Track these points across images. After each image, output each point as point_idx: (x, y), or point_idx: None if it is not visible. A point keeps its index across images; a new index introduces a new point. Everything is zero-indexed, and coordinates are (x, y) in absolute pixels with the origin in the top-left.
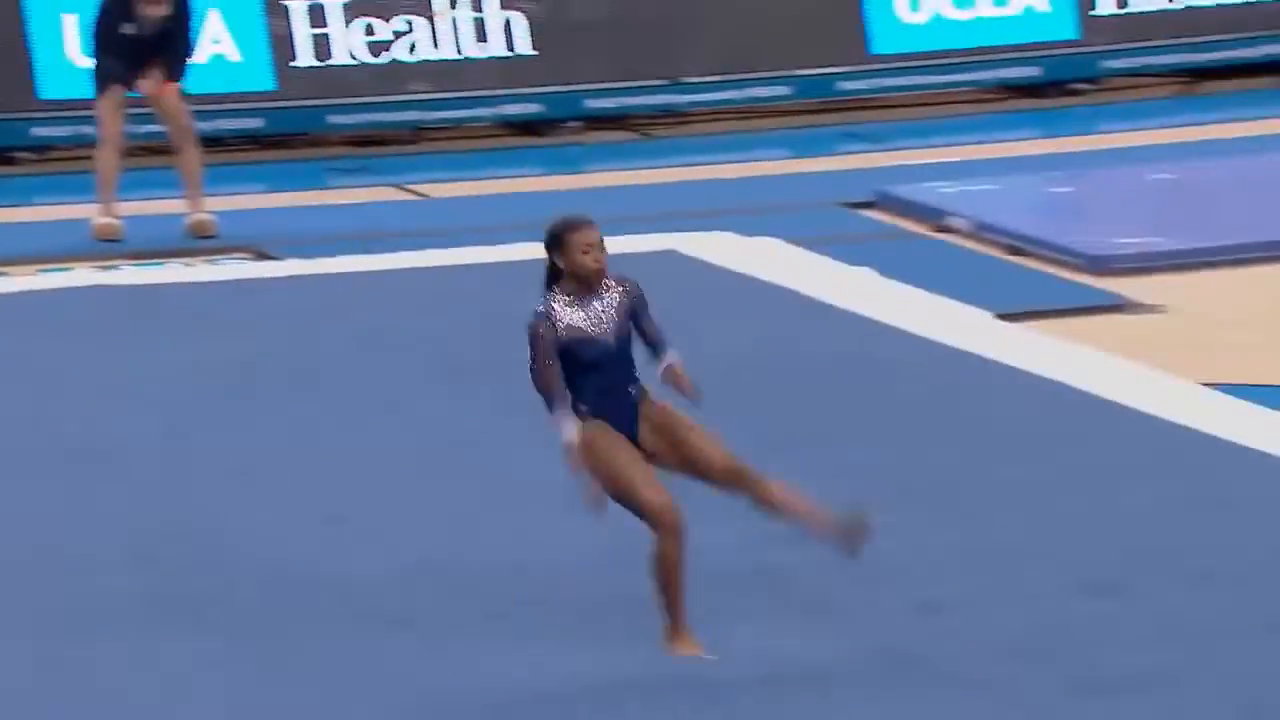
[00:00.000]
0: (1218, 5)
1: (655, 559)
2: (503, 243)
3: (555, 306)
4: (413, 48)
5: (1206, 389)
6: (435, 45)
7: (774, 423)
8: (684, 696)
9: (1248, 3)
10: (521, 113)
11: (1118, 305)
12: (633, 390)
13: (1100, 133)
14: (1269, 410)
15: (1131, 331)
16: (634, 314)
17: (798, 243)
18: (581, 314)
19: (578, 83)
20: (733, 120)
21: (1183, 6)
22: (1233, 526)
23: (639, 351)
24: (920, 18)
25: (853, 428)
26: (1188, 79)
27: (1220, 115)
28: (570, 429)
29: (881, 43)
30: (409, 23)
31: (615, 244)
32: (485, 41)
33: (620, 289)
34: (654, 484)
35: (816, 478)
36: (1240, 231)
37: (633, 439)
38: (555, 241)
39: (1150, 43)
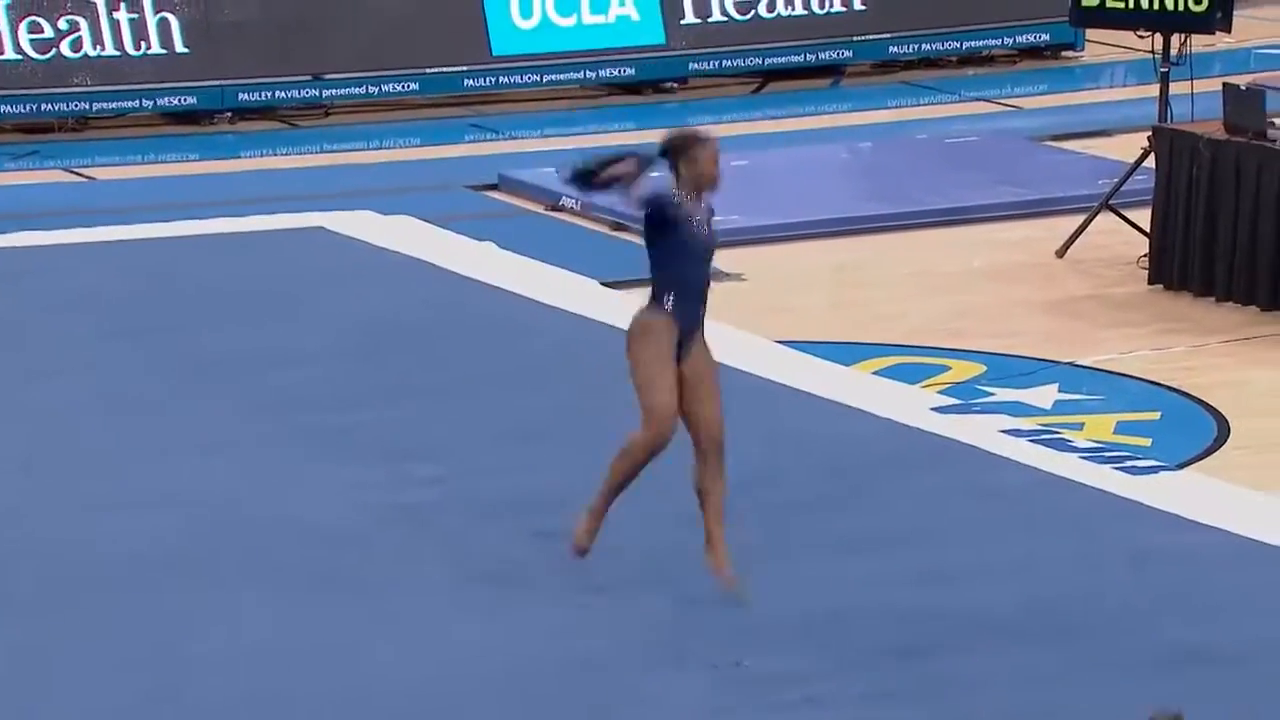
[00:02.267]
0: (783, 17)
1: (625, 450)
2: (165, 220)
3: (674, 195)
4: (77, 45)
5: (778, 344)
6: (98, 44)
7: (409, 375)
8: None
9: (807, 16)
10: (177, 105)
11: None
12: (701, 309)
13: (687, 125)
14: (826, 361)
15: (717, 296)
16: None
17: (430, 220)
18: (689, 211)
19: (229, 77)
20: (370, 112)
21: (752, 17)
22: (791, 457)
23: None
24: (531, 23)
25: (475, 379)
26: (759, 79)
27: (786, 111)
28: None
29: (501, 45)
30: (73, 22)
31: (268, 221)
32: (144, 40)
33: (711, 209)
34: (671, 393)
35: (445, 424)
36: (802, 210)
37: (679, 348)
38: (682, 150)
39: (727, 48)
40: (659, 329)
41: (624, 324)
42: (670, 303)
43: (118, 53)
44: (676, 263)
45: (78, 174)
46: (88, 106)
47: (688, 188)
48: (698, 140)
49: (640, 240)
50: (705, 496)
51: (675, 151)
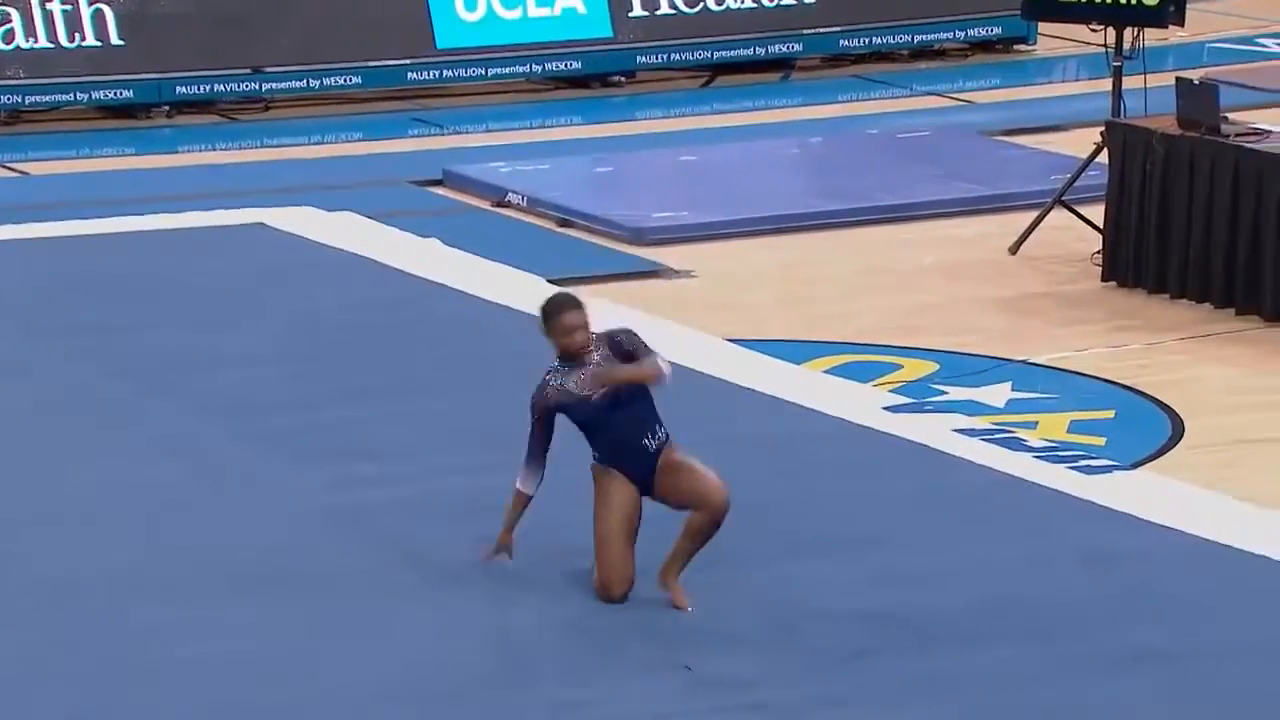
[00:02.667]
0: (732, 10)
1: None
2: (101, 216)
3: (549, 377)
4: (8, 36)
5: (728, 343)
6: (30, 35)
7: (354, 376)
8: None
9: (756, 9)
10: (113, 98)
11: (654, 271)
12: (648, 443)
13: (635, 119)
14: (776, 360)
15: (666, 294)
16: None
17: (373, 216)
18: (572, 380)
19: (166, 70)
20: (311, 106)
21: (701, 10)
22: (741, 458)
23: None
24: (476, 16)
25: (422, 379)
26: (708, 73)
27: (735, 105)
28: (516, 492)
29: (445, 38)
30: (5, 13)
31: (206, 218)
32: (78, 31)
33: (602, 353)
34: (620, 559)
35: (392, 425)
36: (752, 206)
37: (648, 485)
38: (544, 322)
39: (676, 41)
40: (607, 484)
41: None
42: (610, 462)
43: (51, 44)
44: (586, 434)
45: (10, 169)
46: (20, 99)
47: (563, 359)
48: (550, 314)
49: (589, 238)
50: (693, 534)
51: (542, 328)
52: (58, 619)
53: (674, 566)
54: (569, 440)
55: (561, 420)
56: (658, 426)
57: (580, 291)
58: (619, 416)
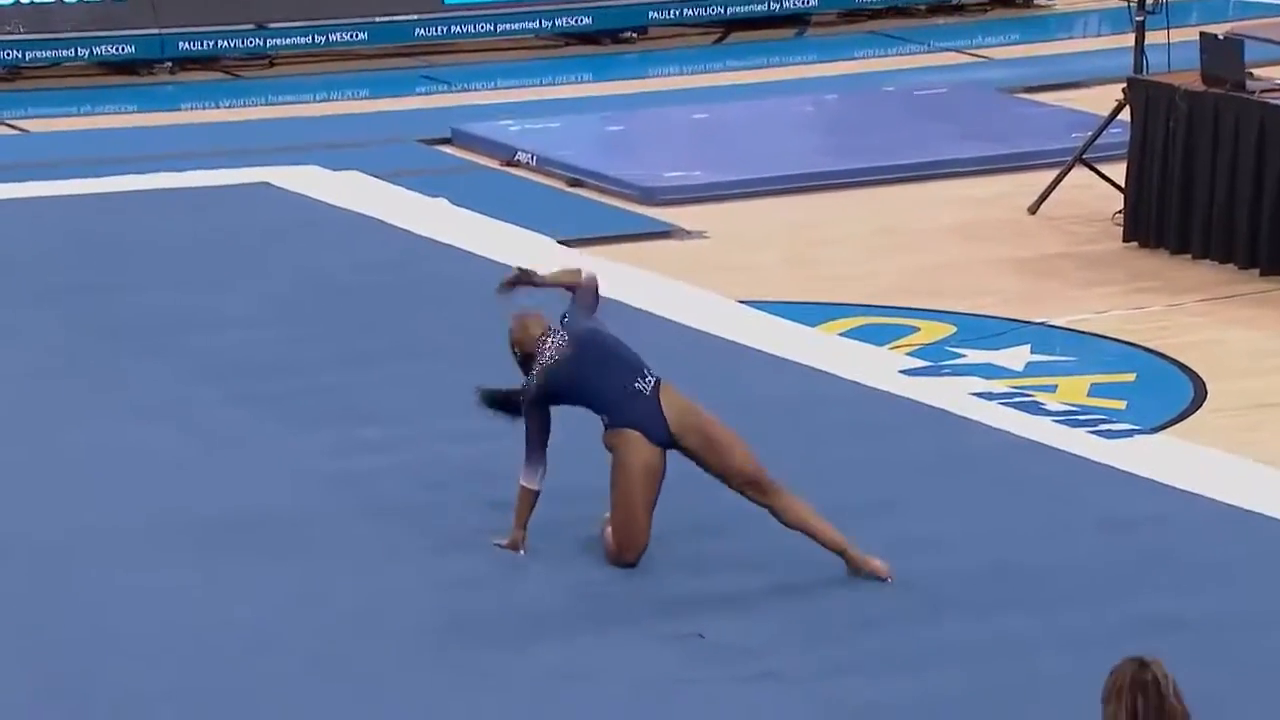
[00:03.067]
0: None
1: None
2: (101, 175)
3: (528, 378)
4: None
5: (740, 305)
6: None
7: (357, 339)
8: None
9: None
10: (115, 54)
11: (665, 232)
12: (641, 386)
13: (647, 76)
14: (790, 322)
15: (678, 255)
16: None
17: (379, 175)
18: (538, 365)
19: (169, 26)
20: (316, 63)
21: None
22: (753, 422)
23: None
24: None
25: (426, 342)
26: (721, 29)
27: (748, 61)
28: (522, 489)
29: None
30: None
31: (209, 177)
32: None
33: (558, 330)
34: (638, 524)
35: (395, 389)
36: (765, 165)
37: (665, 435)
38: (510, 346)
39: None
40: (633, 453)
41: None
42: (617, 422)
43: None
44: (583, 400)
45: (9, 126)
46: (20, 55)
47: (525, 361)
48: (511, 335)
49: (600, 198)
50: (804, 527)
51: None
52: (44, 584)
53: (851, 553)
54: (571, 416)
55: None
56: (645, 370)
57: (590, 252)
58: (600, 370)
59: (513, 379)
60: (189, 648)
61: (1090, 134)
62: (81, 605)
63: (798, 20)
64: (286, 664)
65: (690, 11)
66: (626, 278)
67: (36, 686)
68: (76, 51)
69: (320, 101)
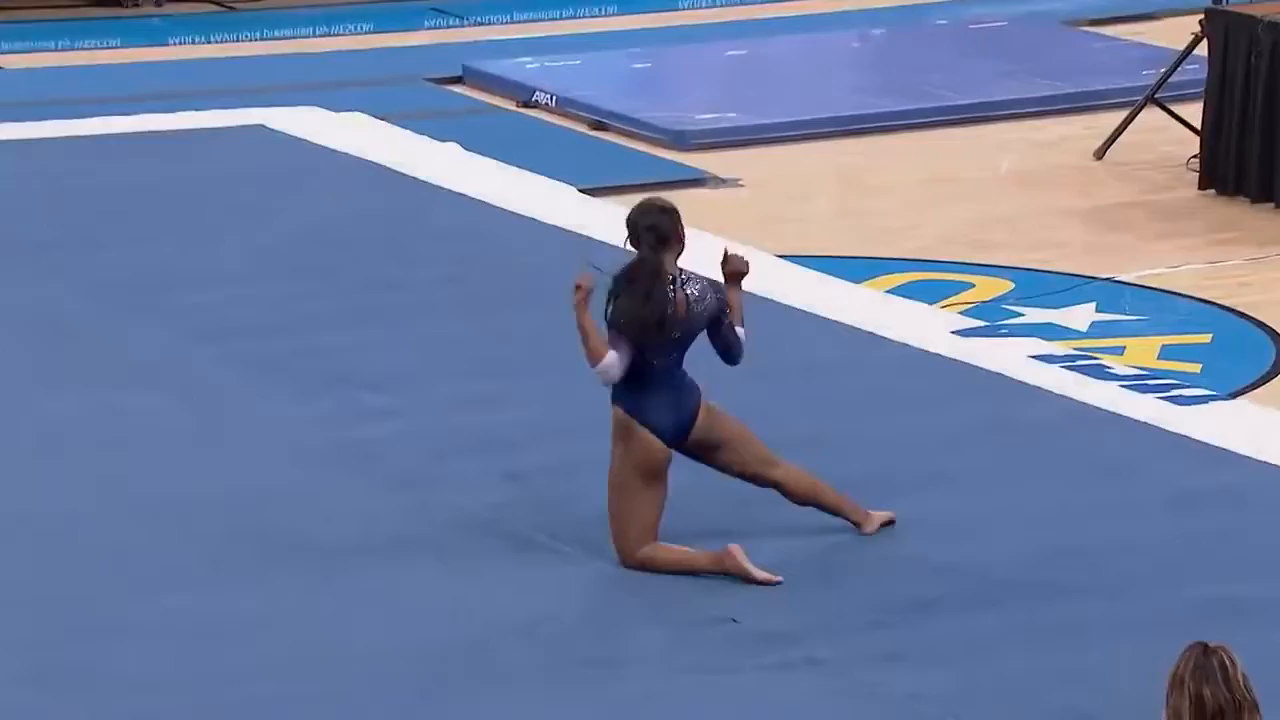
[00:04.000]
0: None
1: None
2: (83, 116)
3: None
4: None
5: (779, 259)
6: None
7: (361, 295)
8: None
9: None
10: None
11: (697, 179)
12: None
13: (677, 9)
14: (833, 278)
15: (711, 205)
16: None
17: (385, 117)
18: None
19: None
20: None
21: None
22: (791, 388)
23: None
24: None
25: (436, 299)
26: None
27: None
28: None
29: None
30: None
31: (200, 119)
32: None
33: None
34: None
35: (401, 350)
36: (807, 107)
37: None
38: (672, 224)
39: None
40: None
41: (607, 237)
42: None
43: None
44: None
45: None
46: None
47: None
48: (674, 213)
49: (625, 140)
50: (814, 499)
51: (665, 232)
52: (29, 567)
53: (854, 509)
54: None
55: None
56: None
57: (615, 202)
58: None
59: (533, 331)
60: (187, 634)
61: (1163, 71)
62: (71, 590)
63: None
64: (293, 652)
65: None
66: None
67: (28, 673)
68: None
69: (320, 37)
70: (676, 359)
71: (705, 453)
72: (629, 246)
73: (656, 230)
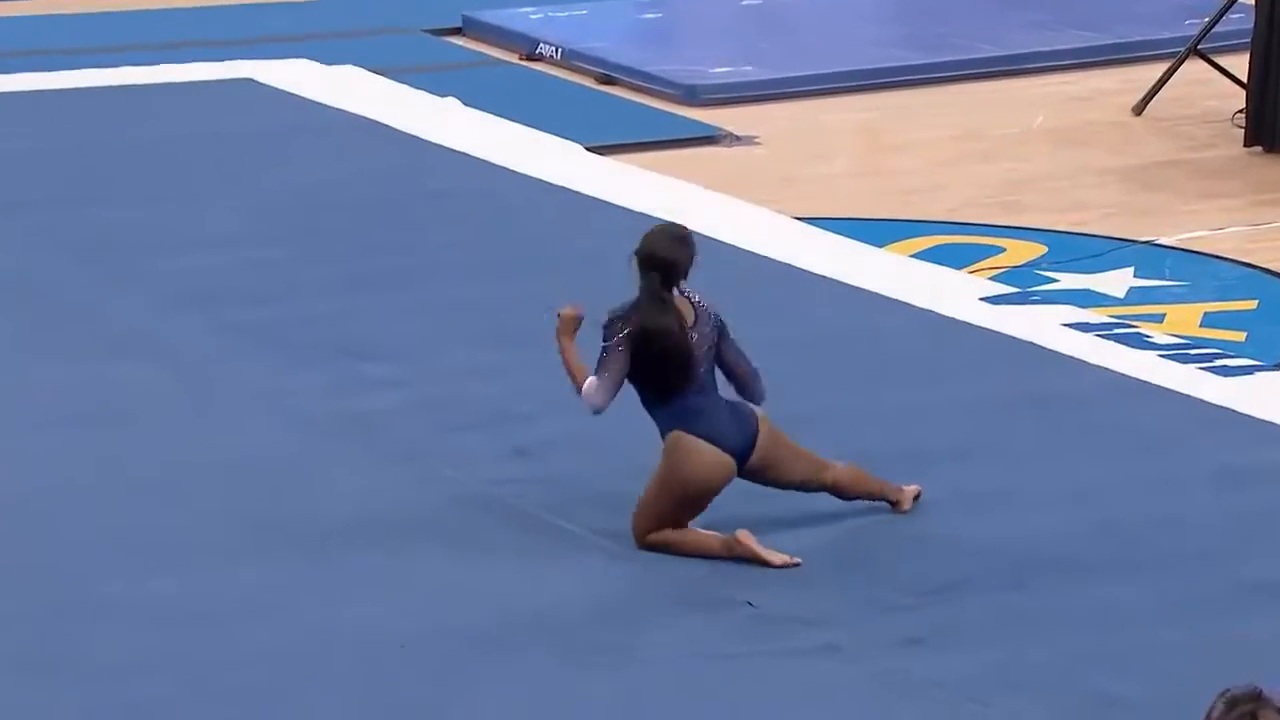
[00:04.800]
0: None
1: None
2: (60, 68)
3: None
4: None
5: (797, 222)
6: None
7: (356, 260)
8: None
9: None
10: None
11: (711, 136)
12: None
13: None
14: (854, 241)
15: (725, 164)
16: None
17: (380, 71)
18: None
19: None
20: None
21: None
22: (810, 357)
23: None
24: None
25: (436, 264)
26: None
27: None
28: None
29: None
30: None
31: (185, 72)
32: None
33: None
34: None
35: (401, 318)
36: (825, 59)
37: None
38: (688, 251)
39: None
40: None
41: (614, 197)
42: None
43: None
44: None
45: None
46: None
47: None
48: (689, 241)
49: (634, 95)
50: (864, 488)
51: (687, 257)
52: (10, 545)
53: (886, 488)
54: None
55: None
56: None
57: (624, 160)
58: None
59: (539, 297)
60: (178, 616)
61: (1207, 20)
62: (54, 569)
63: None
64: (290, 635)
65: None
66: (666, 190)
67: (7, 656)
68: None
69: None
70: (708, 381)
71: (763, 470)
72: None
73: (677, 267)
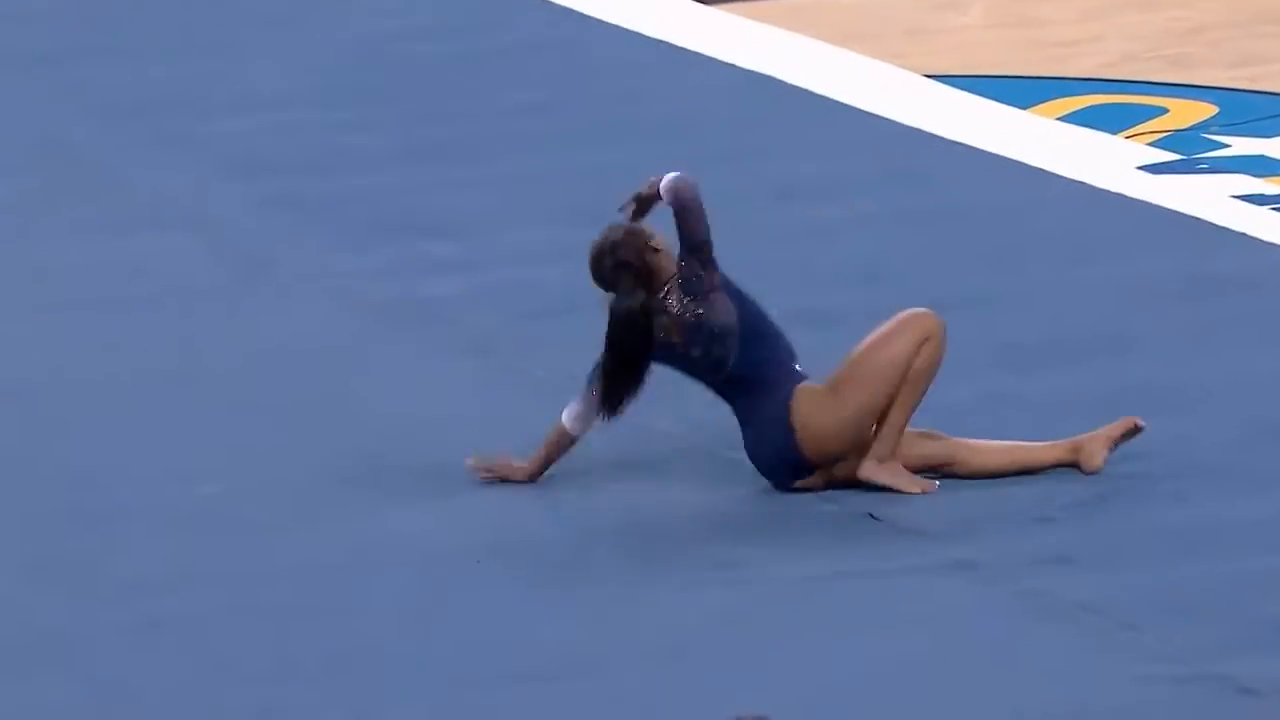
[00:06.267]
0: None
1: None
2: None
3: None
4: None
5: (926, 80)
6: None
7: (418, 124)
8: None
9: None
10: None
11: None
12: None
13: None
14: (993, 103)
15: (841, 13)
16: None
17: None
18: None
19: None
20: None
21: None
22: (944, 235)
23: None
24: None
25: (509, 129)
26: None
27: None
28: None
29: None
30: None
31: None
32: None
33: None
34: None
35: (470, 191)
36: None
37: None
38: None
39: None
40: None
41: (715, 52)
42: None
43: None
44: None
45: None
46: None
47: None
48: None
49: None
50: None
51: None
52: (35, 444)
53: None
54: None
55: None
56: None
57: (728, 9)
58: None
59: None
60: (214, 525)
61: None
62: (80, 470)
63: None
64: (330, 548)
65: None
66: (776, 44)
67: (28, 563)
68: None
69: None
70: (745, 371)
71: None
72: (600, 287)
73: (631, 268)
